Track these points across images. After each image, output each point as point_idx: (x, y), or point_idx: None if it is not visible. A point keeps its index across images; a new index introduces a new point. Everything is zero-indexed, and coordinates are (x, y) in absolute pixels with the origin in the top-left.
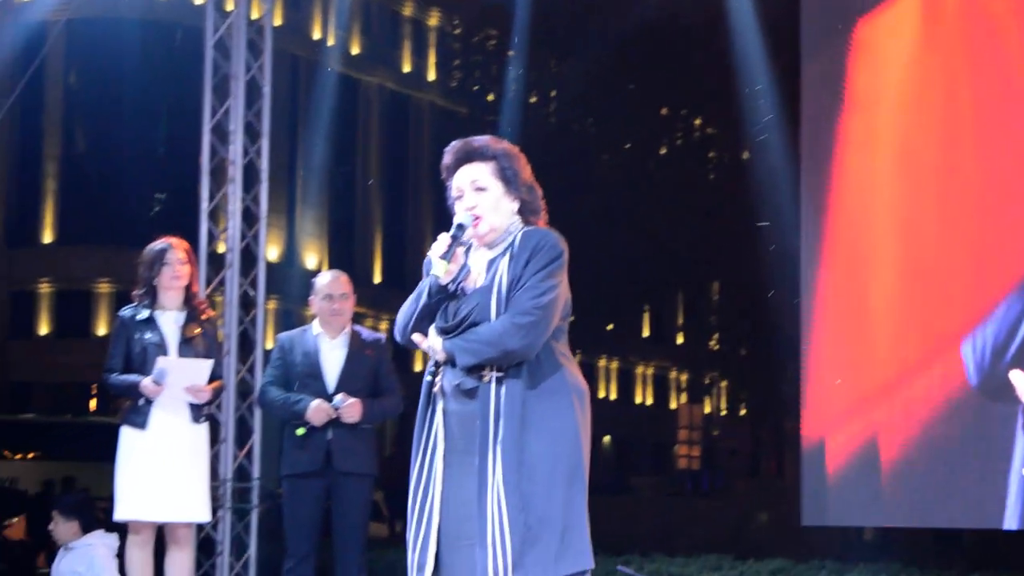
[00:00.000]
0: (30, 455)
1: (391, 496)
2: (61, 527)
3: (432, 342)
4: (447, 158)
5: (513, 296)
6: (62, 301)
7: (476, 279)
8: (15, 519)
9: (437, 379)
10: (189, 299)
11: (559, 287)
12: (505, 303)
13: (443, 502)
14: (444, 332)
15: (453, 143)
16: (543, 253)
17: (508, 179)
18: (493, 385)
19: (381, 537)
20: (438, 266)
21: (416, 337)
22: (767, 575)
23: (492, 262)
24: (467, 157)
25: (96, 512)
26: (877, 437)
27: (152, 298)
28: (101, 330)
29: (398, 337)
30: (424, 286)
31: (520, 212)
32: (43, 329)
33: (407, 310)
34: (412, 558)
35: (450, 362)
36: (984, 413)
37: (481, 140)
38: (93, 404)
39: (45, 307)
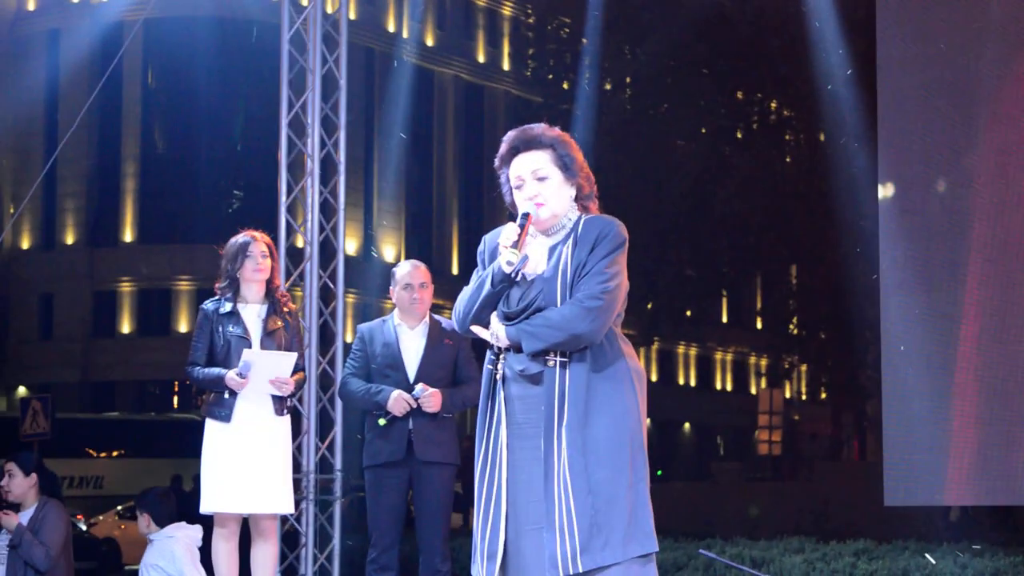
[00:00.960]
0: (115, 453)
1: (471, 485)
2: (141, 521)
3: (496, 329)
4: (503, 148)
5: (579, 281)
6: (143, 299)
7: (537, 267)
8: (101, 516)
9: (499, 366)
10: (271, 292)
11: (622, 274)
12: (570, 289)
13: (509, 488)
14: (507, 318)
15: (509, 133)
16: (608, 240)
17: (566, 166)
18: (558, 369)
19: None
20: (508, 255)
21: (476, 328)
22: (850, 556)
23: (553, 249)
24: (525, 146)
25: (172, 505)
26: (958, 416)
27: (235, 291)
28: (182, 327)
29: (457, 326)
30: (485, 275)
31: (577, 198)
32: (125, 328)
33: (467, 299)
34: (481, 546)
35: (514, 348)
36: None
37: (537, 128)
38: (176, 401)
39: (127, 306)
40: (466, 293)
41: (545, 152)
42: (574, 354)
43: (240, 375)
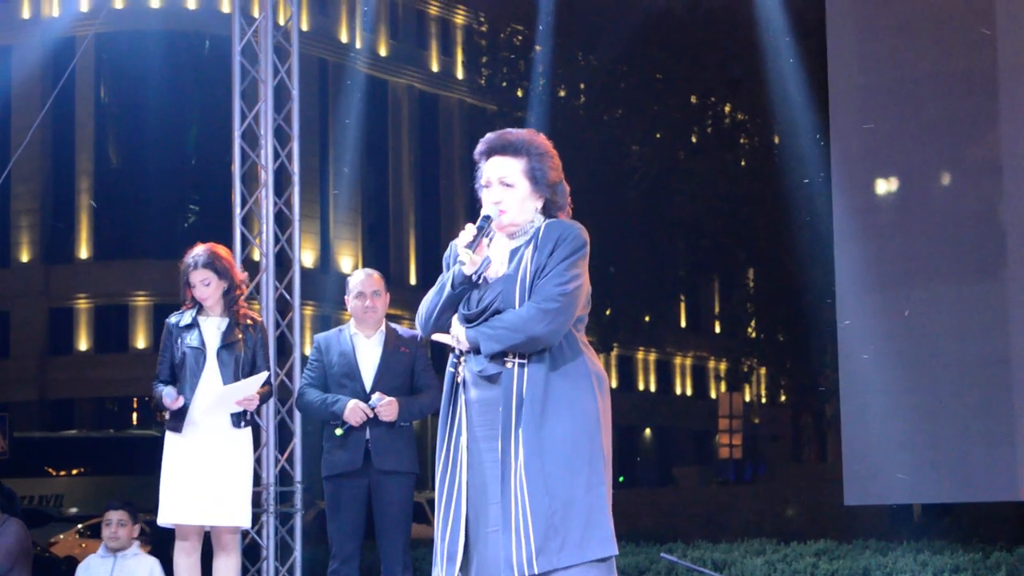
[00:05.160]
0: (74, 471)
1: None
2: (127, 530)
3: (455, 331)
4: (481, 146)
5: (537, 284)
6: (100, 316)
7: (498, 269)
8: (61, 536)
9: (460, 369)
10: (231, 305)
11: (582, 276)
12: (529, 291)
13: (469, 491)
14: (467, 320)
15: (490, 133)
16: (567, 243)
17: (536, 179)
18: (515, 370)
19: (429, 538)
20: (464, 255)
21: (437, 336)
22: (811, 557)
23: (515, 252)
24: (500, 149)
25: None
26: (916, 414)
27: (198, 303)
28: (140, 343)
29: (420, 329)
30: (447, 278)
31: (544, 210)
32: (82, 345)
33: (429, 302)
34: (441, 548)
35: (473, 350)
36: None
37: (517, 134)
38: (135, 418)
39: (83, 322)
40: (429, 296)
41: (519, 160)
42: (533, 356)
43: (170, 397)
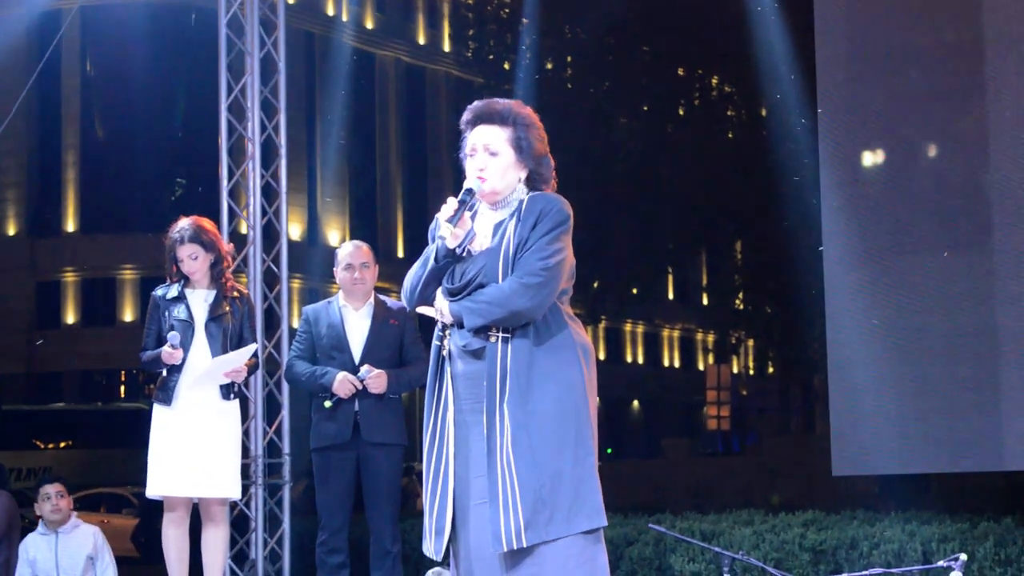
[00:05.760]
0: (62, 444)
1: None
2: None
3: (439, 305)
4: (467, 114)
5: (520, 258)
6: (87, 289)
7: (483, 242)
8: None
9: (445, 342)
10: (217, 278)
11: (565, 250)
12: (512, 265)
13: (456, 464)
14: (451, 294)
15: (477, 102)
16: (550, 217)
17: (521, 148)
18: (500, 344)
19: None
20: (445, 229)
21: (421, 308)
22: (799, 527)
23: (499, 225)
24: (487, 118)
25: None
26: (903, 384)
27: (184, 276)
28: (127, 317)
29: (405, 302)
30: (431, 251)
31: (528, 181)
32: (70, 318)
33: (414, 275)
34: (429, 523)
35: (457, 324)
36: (1011, 353)
37: (504, 104)
38: (122, 391)
39: (71, 296)
40: (414, 269)
41: (504, 129)
42: (517, 329)
43: (172, 346)
